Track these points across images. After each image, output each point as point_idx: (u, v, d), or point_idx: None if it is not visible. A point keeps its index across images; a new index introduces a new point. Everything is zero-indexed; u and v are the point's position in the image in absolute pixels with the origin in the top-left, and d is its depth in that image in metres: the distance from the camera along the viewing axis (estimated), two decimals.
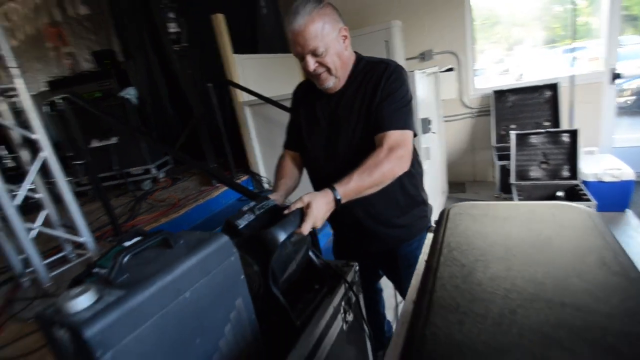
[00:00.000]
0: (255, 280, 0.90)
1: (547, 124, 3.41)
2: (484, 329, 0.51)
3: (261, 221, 0.94)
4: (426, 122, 2.43)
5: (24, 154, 1.87)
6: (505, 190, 3.25)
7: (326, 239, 2.94)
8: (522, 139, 2.97)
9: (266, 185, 3.12)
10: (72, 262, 2.02)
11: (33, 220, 1.88)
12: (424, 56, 4.07)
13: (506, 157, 3.15)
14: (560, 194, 2.63)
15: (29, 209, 2.04)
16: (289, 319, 0.90)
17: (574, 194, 2.62)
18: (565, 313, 0.51)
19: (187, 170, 3.81)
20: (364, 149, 1.12)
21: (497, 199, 3.36)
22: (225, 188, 2.90)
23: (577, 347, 0.46)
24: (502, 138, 3.60)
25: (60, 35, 4.88)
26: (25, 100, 1.75)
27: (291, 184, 1.28)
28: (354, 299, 1.13)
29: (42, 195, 1.97)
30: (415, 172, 1.28)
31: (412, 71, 2.40)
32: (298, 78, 3.98)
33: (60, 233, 1.98)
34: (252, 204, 0.97)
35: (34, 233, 1.79)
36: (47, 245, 2.28)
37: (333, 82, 1.15)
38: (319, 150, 1.26)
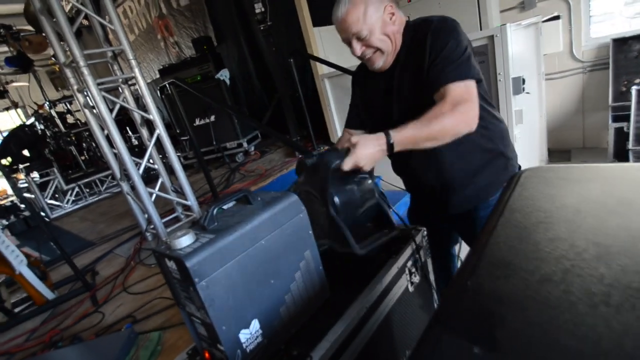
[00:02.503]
0: (320, 212, 0.98)
1: None
2: (529, 284, 0.52)
3: None
4: (519, 82, 2.19)
5: (144, 132, 2.27)
6: (620, 157, 2.78)
7: (405, 208, 2.94)
8: None
9: None
10: (182, 221, 2.43)
11: (153, 187, 2.30)
12: (524, 5, 3.57)
13: (624, 118, 2.68)
14: None
15: (149, 179, 2.49)
16: (351, 247, 0.94)
17: None
18: (624, 275, 0.49)
19: (273, 143, 4.11)
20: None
21: None
22: None
23: (626, 305, 0.44)
24: (622, 96, 3.03)
25: (167, 27, 5.55)
26: (142, 87, 2.11)
27: None
28: (420, 261, 1.16)
29: (158, 166, 2.37)
30: (488, 123, 1.19)
31: (504, 25, 2.16)
32: None
33: (173, 197, 2.38)
34: (321, 150, 1.06)
35: (153, 197, 2.19)
36: (164, 208, 2.76)
37: (383, 62, 1.14)
38: (377, 124, 1.27)
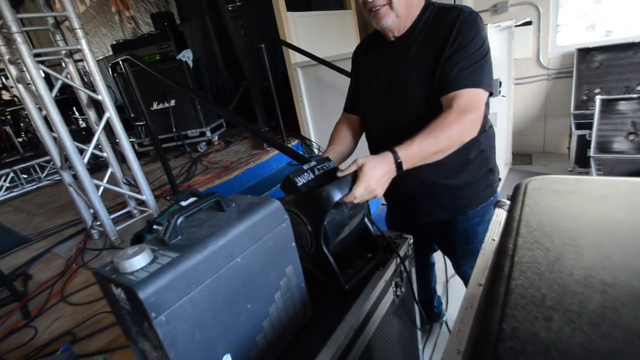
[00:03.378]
0: (307, 239, 0.88)
1: None
2: (578, 330, 0.43)
3: (319, 182, 0.91)
4: (496, 85, 2.18)
5: (91, 115, 1.99)
6: (581, 164, 2.90)
7: (375, 207, 2.88)
8: (608, 105, 2.59)
9: (316, 151, 3.08)
10: (135, 218, 2.17)
11: (101, 178, 2.02)
12: (496, 9, 3.62)
13: (586, 126, 2.78)
14: None
15: (98, 167, 2.19)
16: (338, 281, 0.89)
17: None
18: None
19: (239, 133, 3.88)
20: (427, 111, 1.01)
21: (571, 173, 3.02)
22: (276, 152, 2.91)
23: None
24: (583, 104, 3.17)
25: None
26: (89, 62, 1.83)
27: (342, 150, 1.20)
28: (406, 272, 1.07)
29: (107, 154, 2.10)
30: (484, 136, 1.15)
31: (486, 25, 2.12)
32: (353, 37, 3.77)
33: (124, 190, 2.12)
34: (313, 163, 0.94)
35: (101, 190, 1.93)
36: (115, 200, 2.48)
37: (392, 20, 1.03)
38: (376, 110, 1.17)
